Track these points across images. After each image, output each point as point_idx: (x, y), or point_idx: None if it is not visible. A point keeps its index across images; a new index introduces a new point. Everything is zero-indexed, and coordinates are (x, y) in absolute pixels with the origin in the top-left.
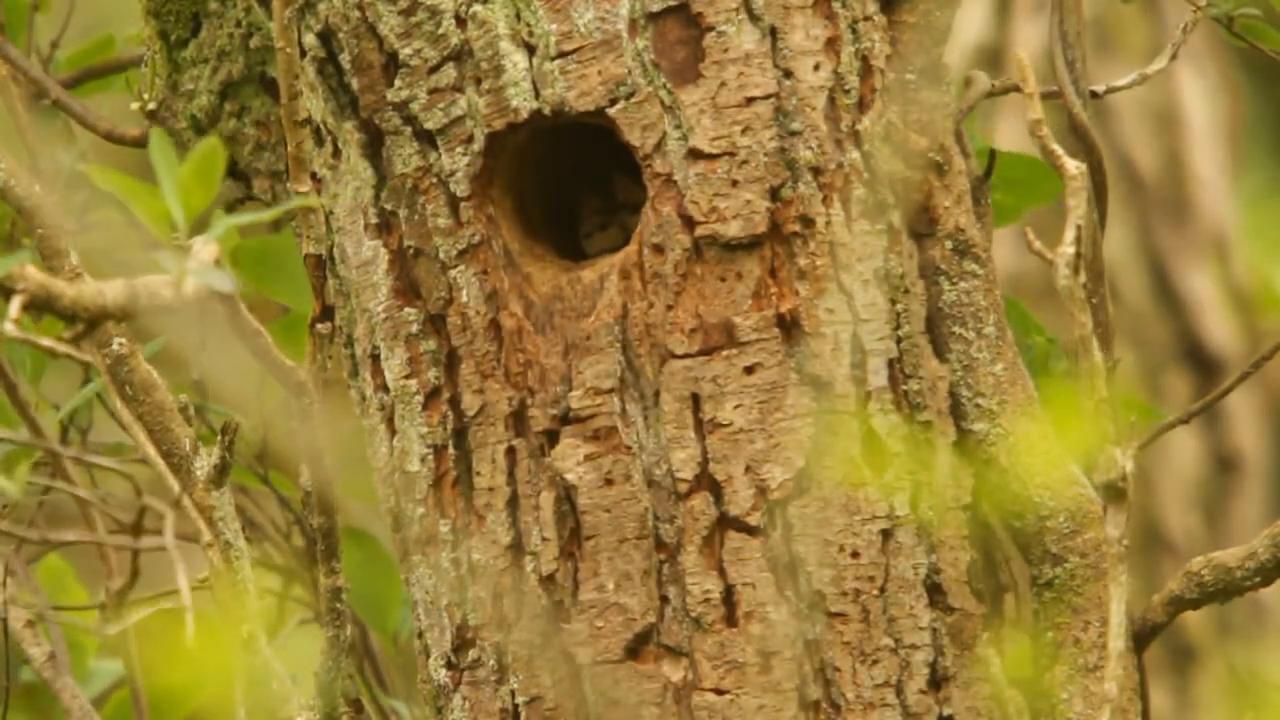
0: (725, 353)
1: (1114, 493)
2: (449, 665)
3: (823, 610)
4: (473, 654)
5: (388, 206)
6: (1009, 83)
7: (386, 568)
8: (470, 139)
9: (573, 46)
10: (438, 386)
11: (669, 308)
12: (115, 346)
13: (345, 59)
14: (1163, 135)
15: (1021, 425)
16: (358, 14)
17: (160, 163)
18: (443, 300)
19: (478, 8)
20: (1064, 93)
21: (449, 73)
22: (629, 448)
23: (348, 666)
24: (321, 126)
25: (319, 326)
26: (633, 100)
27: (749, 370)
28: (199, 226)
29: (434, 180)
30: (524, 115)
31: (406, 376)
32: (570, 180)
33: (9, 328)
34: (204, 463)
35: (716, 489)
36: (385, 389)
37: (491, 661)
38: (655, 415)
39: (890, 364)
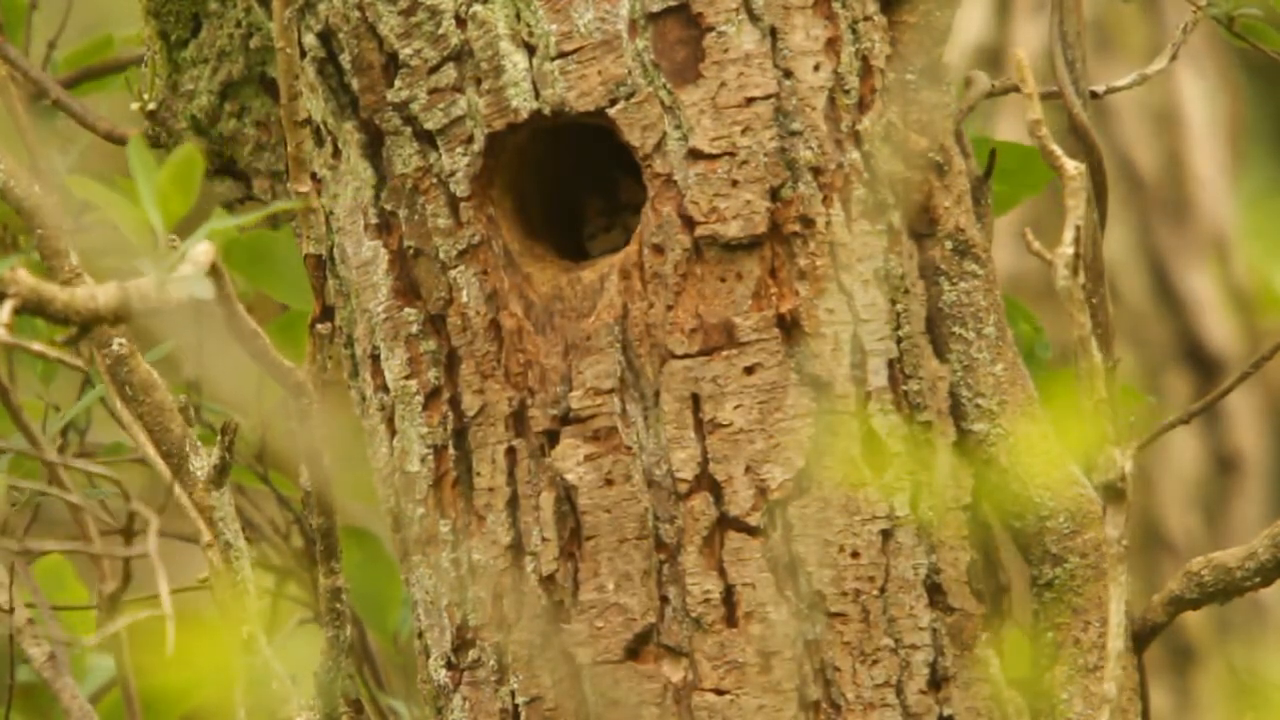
0: (725, 353)
1: (1113, 493)
2: (449, 665)
3: (823, 610)
4: (473, 654)
5: (388, 207)
6: (1009, 83)
7: (386, 568)
8: (470, 139)
9: (573, 47)
10: (438, 387)
11: (669, 308)
12: (115, 347)
13: (345, 59)
14: (1163, 135)
15: (1022, 425)
16: (358, 14)
17: (138, 169)
18: (443, 300)
19: (478, 8)
20: (1064, 93)
21: (449, 73)
22: (629, 448)
23: (348, 666)
24: (321, 126)
25: (319, 327)
26: (633, 100)
27: (749, 370)
28: (193, 228)
29: (434, 180)
30: (524, 115)
31: (406, 377)
32: (570, 180)
33: (0, 332)
34: (204, 463)
35: (716, 489)
36: (385, 389)
37: (491, 662)
38: (655, 415)
39: (890, 364)
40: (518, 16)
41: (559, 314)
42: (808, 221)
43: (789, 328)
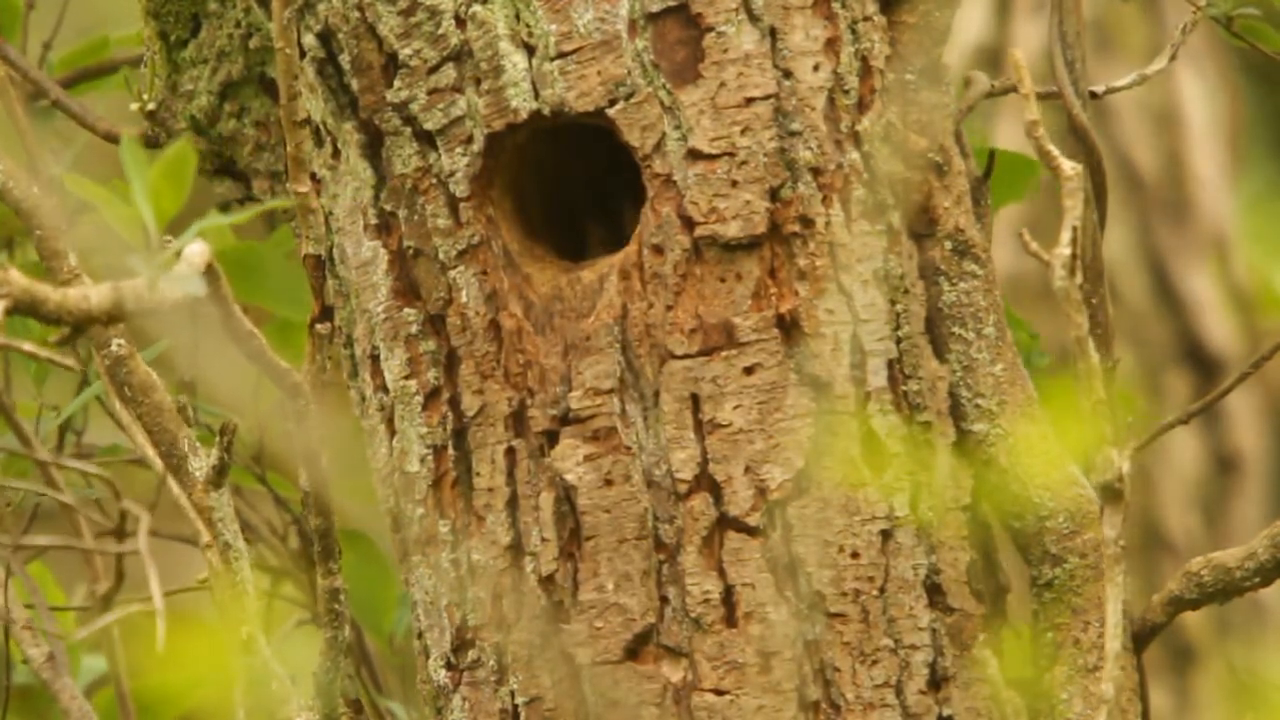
0: (725, 353)
1: (1110, 493)
2: (448, 666)
3: (822, 611)
4: (472, 654)
5: (387, 207)
6: (1009, 83)
7: (381, 569)
8: (470, 139)
9: (572, 47)
10: (437, 387)
11: (669, 308)
12: (114, 348)
13: (345, 59)
14: (1163, 135)
15: (1021, 426)
16: (357, 14)
17: (131, 167)
18: (442, 301)
19: (477, 8)
20: (1063, 93)
21: (449, 73)
22: (629, 448)
23: (347, 667)
24: (321, 127)
25: (318, 327)
26: (632, 101)
27: (749, 371)
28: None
29: (433, 181)
30: (523, 116)
31: (406, 377)
32: (570, 180)
33: None
34: (202, 463)
35: (716, 489)
36: (385, 389)
37: (491, 662)
38: (655, 416)
39: (890, 364)
40: (517, 17)
41: (559, 314)
42: (807, 222)
43: (788, 328)
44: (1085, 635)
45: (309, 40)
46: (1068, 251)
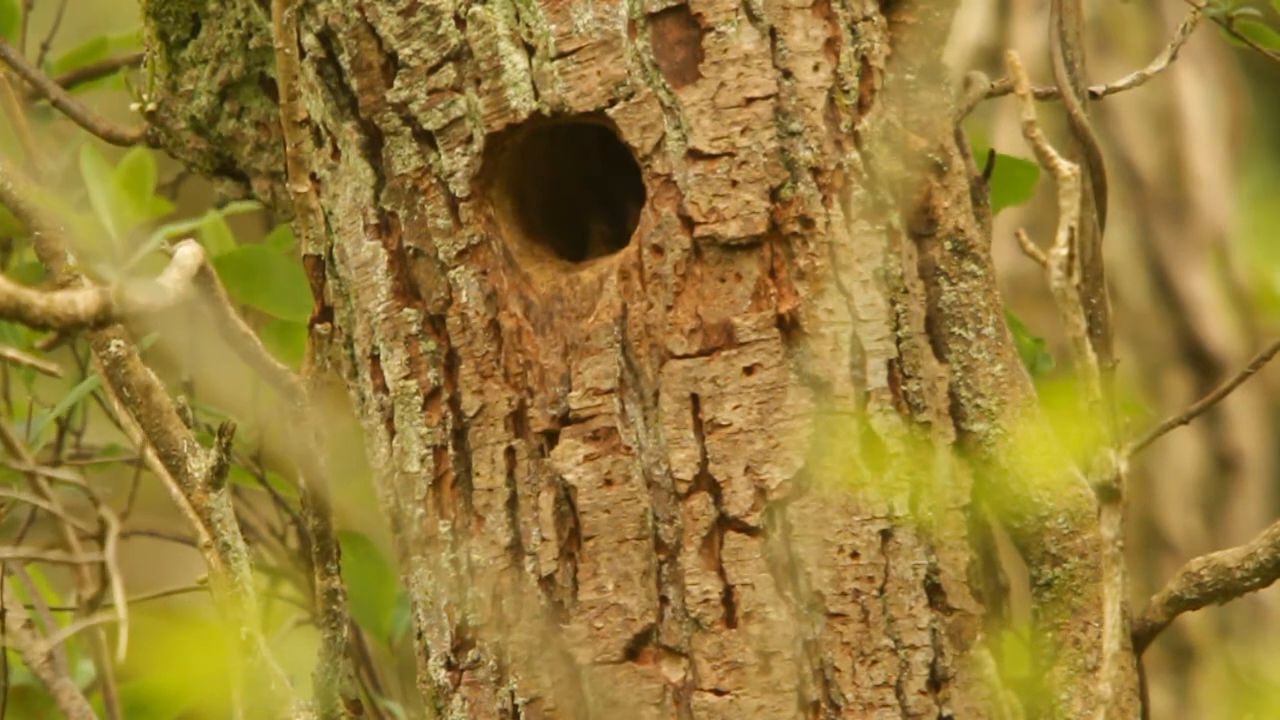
0: (725, 353)
1: (1108, 493)
2: (448, 666)
3: (822, 610)
4: (472, 654)
5: (387, 207)
6: (1008, 83)
7: (379, 569)
8: (470, 139)
9: (572, 47)
10: (437, 387)
11: (668, 308)
12: (113, 349)
13: (345, 59)
14: (1163, 135)
15: (1021, 426)
16: (357, 14)
17: (90, 176)
18: (442, 301)
19: (477, 8)
20: (1063, 93)
21: (448, 73)
22: (628, 448)
23: (346, 667)
24: (321, 127)
25: (318, 327)
26: (632, 101)
27: (748, 371)
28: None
29: (433, 181)
30: (523, 116)
31: (406, 377)
32: (570, 180)
33: None
34: (202, 464)
35: (716, 489)
36: (385, 390)
37: (491, 662)
38: (655, 416)
39: (890, 364)
40: (517, 17)
41: (558, 314)
42: (807, 222)
43: (788, 328)
44: (1085, 635)
45: (309, 40)
46: (1065, 252)
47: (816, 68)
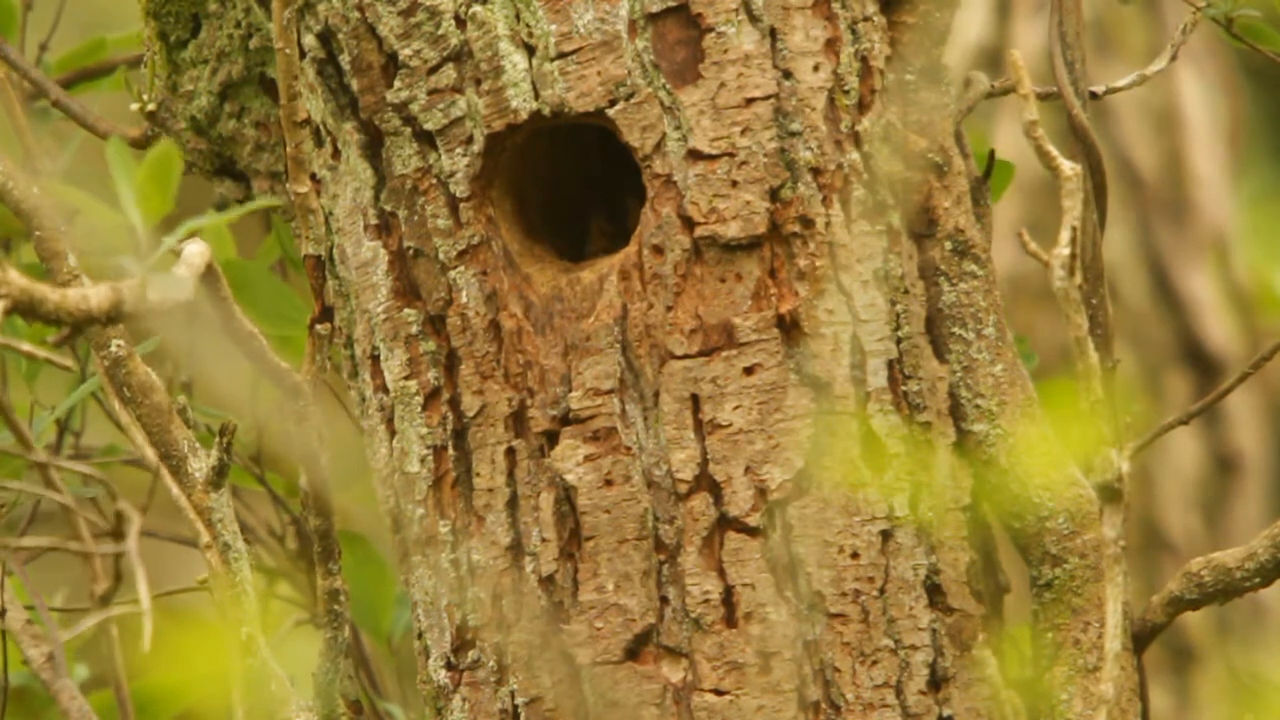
0: (725, 353)
1: (1110, 493)
2: (449, 666)
3: (822, 611)
4: (472, 655)
5: (387, 207)
6: (1009, 83)
7: (378, 570)
8: (470, 140)
9: (572, 47)
10: (437, 387)
11: (669, 308)
12: (113, 348)
13: (345, 60)
14: (1163, 135)
15: (1021, 426)
16: (357, 15)
17: (118, 170)
18: (442, 301)
19: (477, 8)
20: (1063, 93)
21: (449, 73)
22: (629, 448)
23: (347, 668)
24: (321, 127)
25: (318, 327)
26: (632, 101)
27: (748, 371)
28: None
29: (434, 181)
30: (524, 116)
31: (406, 377)
32: (570, 180)
33: None
34: (202, 464)
35: (716, 490)
36: (385, 390)
37: (491, 662)
38: (655, 416)
39: (890, 365)
40: (517, 17)
41: (559, 314)
42: (807, 222)
43: (788, 328)
44: (1085, 635)
45: (309, 40)
46: (1067, 252)
47: (817, 68)
